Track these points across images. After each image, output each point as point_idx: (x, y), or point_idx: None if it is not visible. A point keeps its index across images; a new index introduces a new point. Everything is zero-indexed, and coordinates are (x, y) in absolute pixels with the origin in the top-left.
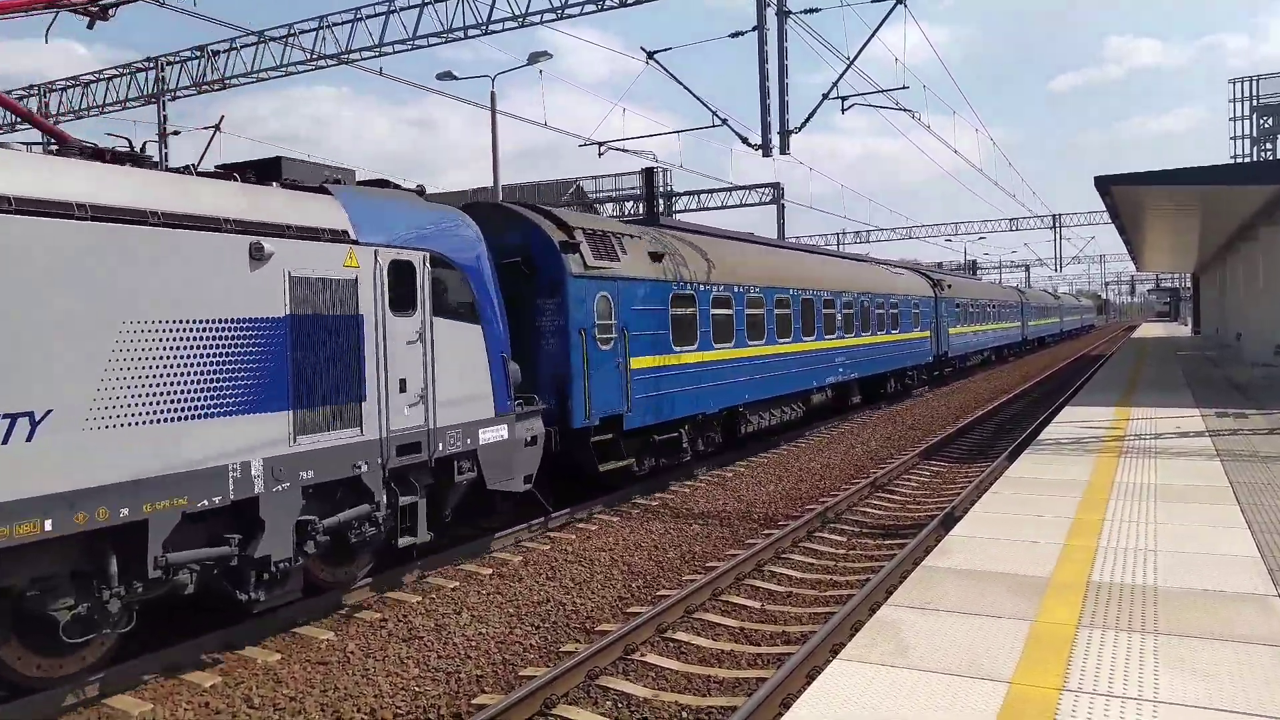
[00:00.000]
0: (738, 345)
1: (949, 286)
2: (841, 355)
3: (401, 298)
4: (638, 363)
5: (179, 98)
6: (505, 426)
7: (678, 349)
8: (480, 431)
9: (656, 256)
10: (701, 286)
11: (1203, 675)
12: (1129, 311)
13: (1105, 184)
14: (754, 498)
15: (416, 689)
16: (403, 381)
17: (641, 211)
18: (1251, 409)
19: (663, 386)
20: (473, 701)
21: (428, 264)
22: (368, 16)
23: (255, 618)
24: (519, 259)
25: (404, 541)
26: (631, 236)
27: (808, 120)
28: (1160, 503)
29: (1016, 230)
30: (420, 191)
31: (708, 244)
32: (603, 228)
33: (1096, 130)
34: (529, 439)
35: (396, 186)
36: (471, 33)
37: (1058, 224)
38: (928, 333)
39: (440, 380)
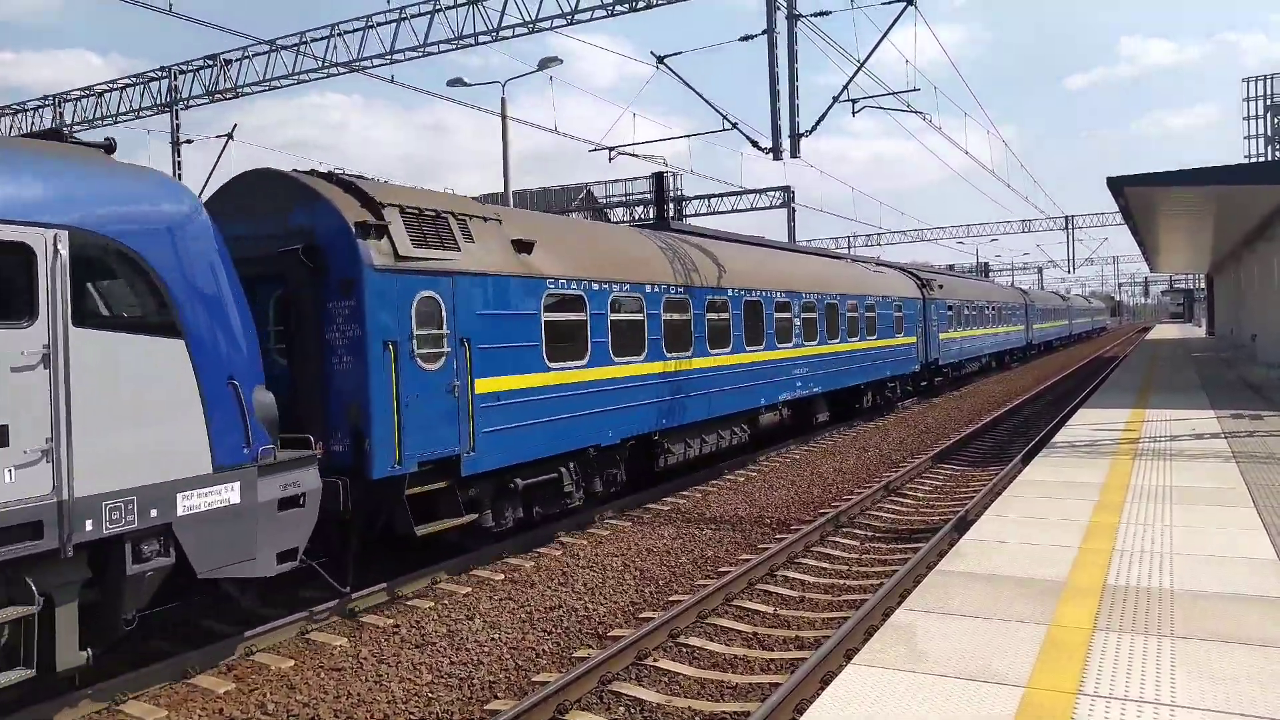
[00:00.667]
0: (651, 358)
1: (940, 287)
2: (800, 366)
3: (4, 299)
4: (488, 385)
5: (192, 106)
6: (235, 485)
7: (556, 365)
8: (181, 497)
9: (524, 246)
10: (594, 286)
11: (1221, 679)
12: (1142, 313)
13: (1118, 185)
14: (766, 501)
15: (430, 695)
16: (2, 430)
17: (652, 215)
18: (1267, 410)
19: (531, 415)
20: (486, 707)
21: (64, 247)
22: (379, 24)
23: (270, 623)
24: (299, 246)
25: (4, 679)
26: (485, 219)
27: (818, 123)
28: (1176, 505)
29: (1029, 232)
30: (107, 148)
31: (609, 234)
32: (434, 205)
33: (1109, 130)
34: (291, 498)
35: (75, 141)
36: (482, 39)
37: (1070, 225)
38: (913, 338)
39: (89, 424)
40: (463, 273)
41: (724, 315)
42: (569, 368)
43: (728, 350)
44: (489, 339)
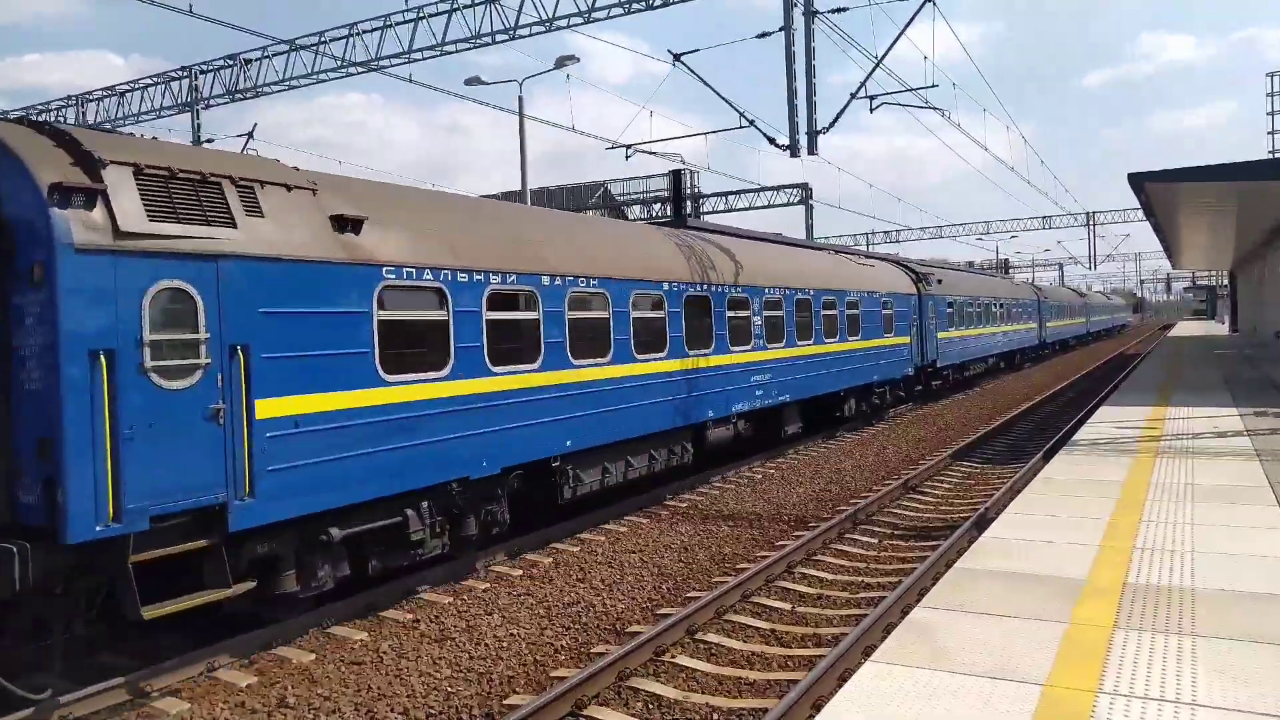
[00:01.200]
0: (550, 366)
1: (938, 282)
2: (761, 372)
3: None
4: (280, 407)
5: (212, 106)
6: None
7: (398, 378)
8: None
9: (348, 224)
10: (461, 277)
11: (1243, 679)
12: (1165, 310)
13: (1139, 181)
14: (784, 499)
15: (449, 689)
16: None
17: (669, 213)
18: None
19: (354, 444)
20: (505, 702)
21: None
22: (397, 24)
23: (291, 618)
24: None
25: None
26: (288, 187)
27: (836, 120)
28: (1198, 503)
29: (1049, 228)
30: None
31: (493, 213)
32: (199, 166)
33: (1128, 126)
34: None
35: None
36: (499, 38)
37: (1091, 222)
38: (906, 338)
39: None
40: (238, 256)
41: (657, 314)
42: (421, 380)
43: (663, 355)
44: (281, 345)
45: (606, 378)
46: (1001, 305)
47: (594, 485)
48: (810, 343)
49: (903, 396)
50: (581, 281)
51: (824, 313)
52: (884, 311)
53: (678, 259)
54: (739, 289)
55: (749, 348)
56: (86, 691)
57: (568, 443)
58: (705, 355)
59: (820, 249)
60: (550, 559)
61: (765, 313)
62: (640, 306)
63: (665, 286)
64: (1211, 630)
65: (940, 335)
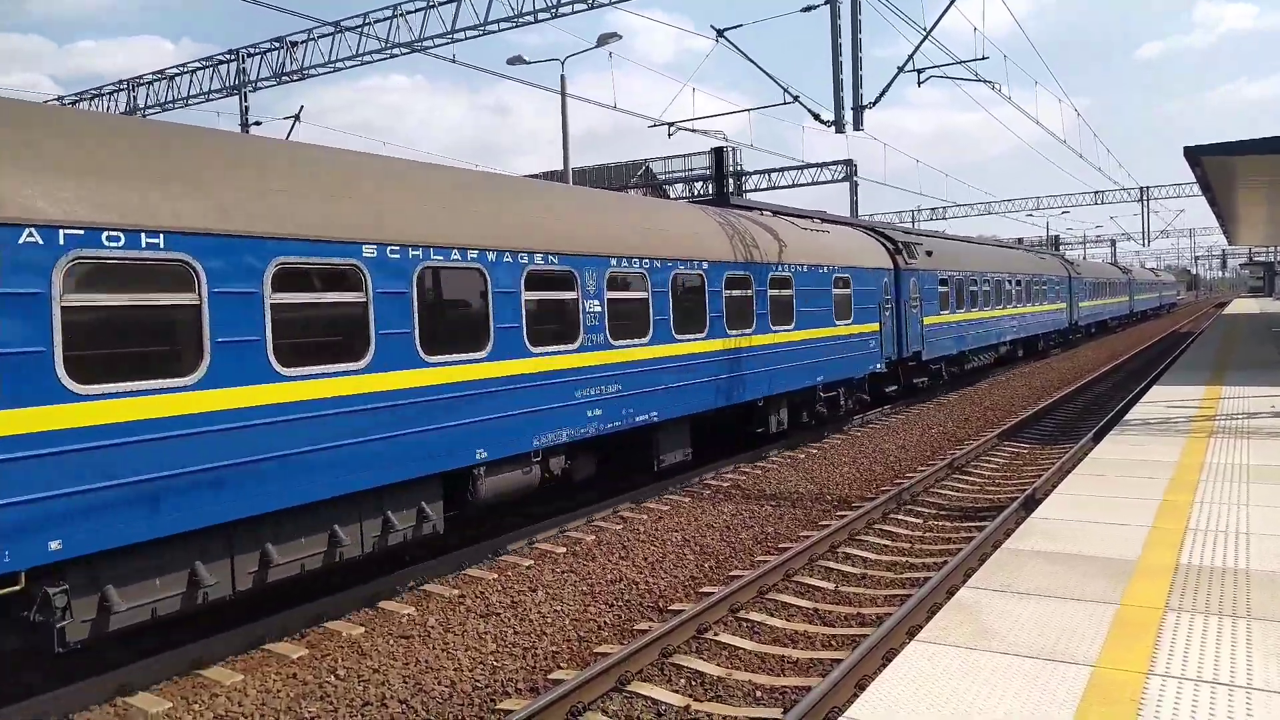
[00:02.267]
0: (12, 401)
1: (927, 253)
2: (603, 382)
3: None
4: None
5: (260, 88)
6: None
7: None
8: None
9: None
10: None
11: None
12: (1220, 287)
13: (1195, 155)
14: (827, 479)
15: (495, 663)
16: None
17: (711, 191)
18: None
19: None
20: (549, 676)
21: None
22: (440, 4)
23: (340, 592)
24: None
25: None
26: None
27: (882, 95)
28: (1253, 484)
29: (1102, 204)
30: None
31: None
32: None
33: (1185, 99)
34: None
35: None
36: (541, 16)
37: (1145, 197)
38: (874, 325)
39: None
40: None
41: (351, 298)
42: None
43: (360, 365)
44: None
45: (198, 413)
46: (1019, 282)
47: (164, 608)
48: (700, 336)
49: (868, 400)
50: (157, 236)
51: (729, 293)
52: (839, 291)
53: (424, 213)
54: (554, 259)
55: (574, 347)
56: (142, 662)
57: (53, 545)
58: (470, 363)
59: (749, 209)
60: (593, 536)
61: (610, 295)
62: (288, 285)
63: (390, 253)
64: (1266, 613)
65: (927, 320)
